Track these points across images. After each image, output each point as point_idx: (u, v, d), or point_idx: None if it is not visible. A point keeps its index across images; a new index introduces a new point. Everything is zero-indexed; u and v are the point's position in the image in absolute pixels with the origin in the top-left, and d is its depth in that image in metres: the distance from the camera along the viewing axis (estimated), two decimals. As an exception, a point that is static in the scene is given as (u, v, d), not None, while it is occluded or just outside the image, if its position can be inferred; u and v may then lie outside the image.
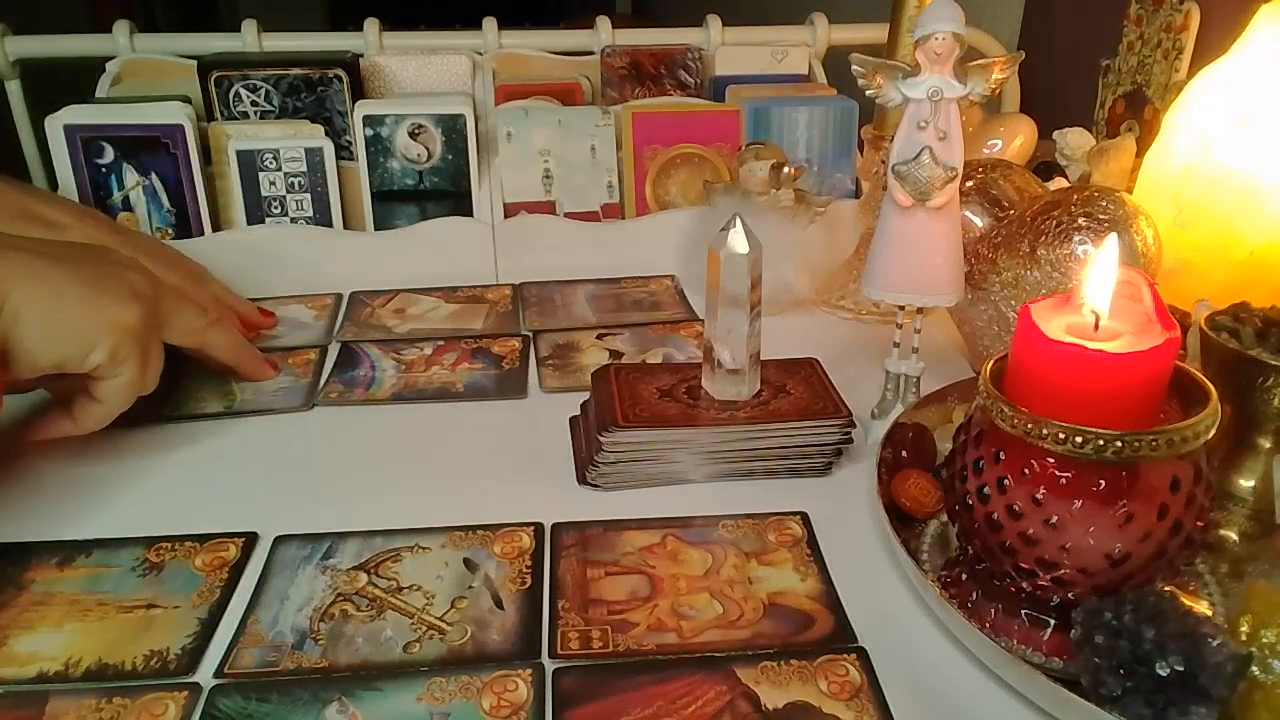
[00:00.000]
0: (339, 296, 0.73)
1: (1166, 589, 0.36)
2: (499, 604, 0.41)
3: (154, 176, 0.75)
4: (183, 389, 0.59)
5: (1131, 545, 0.34)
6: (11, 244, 0.45)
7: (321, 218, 0.78)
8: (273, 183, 0.76)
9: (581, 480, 0.50)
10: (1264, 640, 0.34)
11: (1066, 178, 0.76)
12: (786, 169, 0.71)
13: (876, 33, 0.86)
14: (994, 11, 1.11)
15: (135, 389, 0.49)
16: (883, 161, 0.64)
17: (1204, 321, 0.45)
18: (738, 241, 0.47)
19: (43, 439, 0.50)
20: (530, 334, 0.67)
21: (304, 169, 0.76)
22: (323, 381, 0.60)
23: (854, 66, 0.48)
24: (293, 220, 0.77)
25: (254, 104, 0.79)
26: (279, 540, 0.45)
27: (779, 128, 0.82)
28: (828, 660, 0.38)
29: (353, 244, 0.77)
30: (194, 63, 0.80)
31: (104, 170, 0.75)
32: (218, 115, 0.79)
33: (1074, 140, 0.78)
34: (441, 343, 0.66)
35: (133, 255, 0.51)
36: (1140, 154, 0.66)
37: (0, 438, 0.52)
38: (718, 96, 0.90)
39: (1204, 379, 0.36)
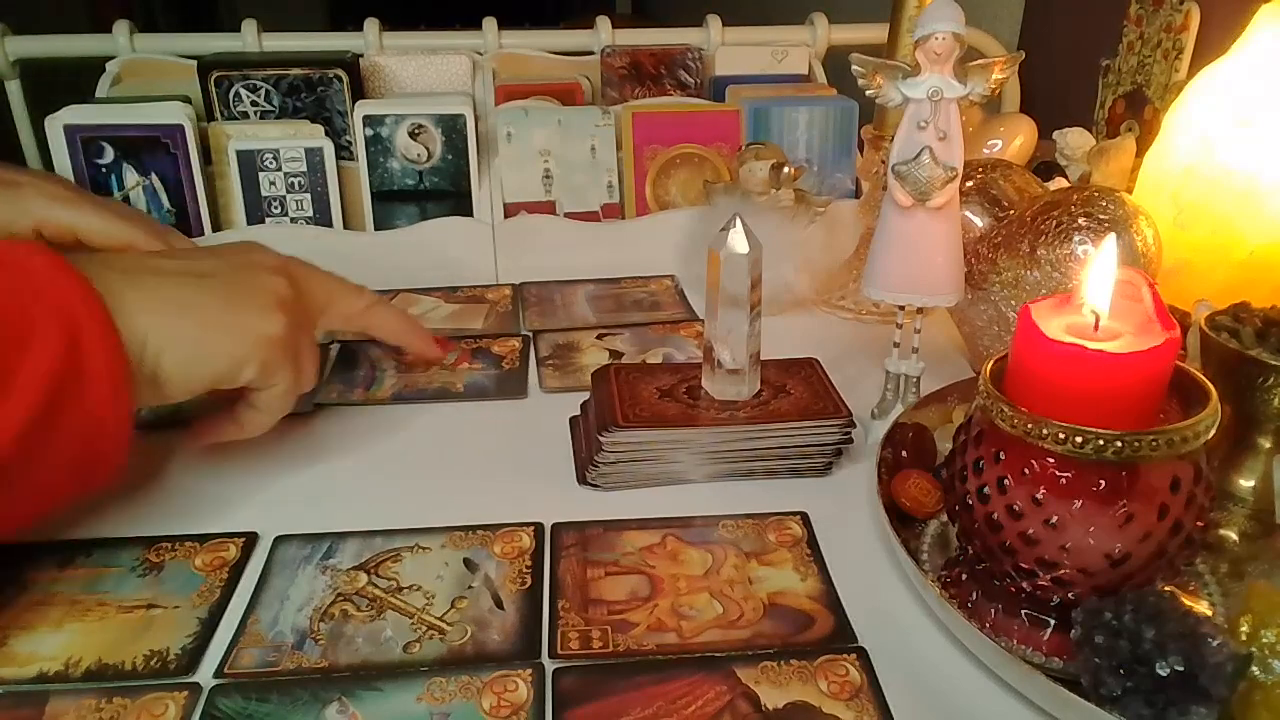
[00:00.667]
0: (339, 296, 0.73)
1: (1166, 589, 0.36)
2: (499, 604, 0.41)
3: (154, 176, 0.75)
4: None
5: (1131, 545, 0.34)
6: (152, 268, 0.44)
7: (321, 218, 0.78)
8: (273, 183, 0.76)
9: (581, 480, 0.50)
10: (1264, 640, 0.34)
11: (1066, 178, 0.76)
12: (786, 169, 0.71)
13: (876, 33, 0.86)
14: (994, 11, 1.11)
15: (292, 394, 0.48)
16: (883, 161, 0.64)
17: (1204, 321, 0.45)
18: (738, 241, 0.47)
19: (211, 441, 0.50)
20: (530, 334, 0.67)
21: (304, 169, 0.76)
22: (324, 381, 0.60)
23: (854, 66, 0.48)
24: (293, 220, 0.77)
25: (254, 104, 0.79)
26: (279, 540, 0.45)
27: (779, 128, 0.82)
28: (828, 660, 0.38)
29: (353, 244, 0.77)
30: (194, 63, 0.80)
31: (104, 170, 0.75)
32: (218, 115, 0.79)
33: (1074, 140, 0.78)
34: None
35: (269, 251, 0.50)
36: (1140, 154, 0.66)
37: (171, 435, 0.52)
38: (718, 96, 0.90)
39: (1204, 379, 0.36)
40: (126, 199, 0.75)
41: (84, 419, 0.39)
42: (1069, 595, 0.36)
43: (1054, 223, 0.52)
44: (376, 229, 0.79)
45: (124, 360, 0.40)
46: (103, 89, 0.84)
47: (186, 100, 0.77)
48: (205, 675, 0.38)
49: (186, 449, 0.52)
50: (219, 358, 0.44)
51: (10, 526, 0.41)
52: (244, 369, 0.45)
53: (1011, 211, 0.57)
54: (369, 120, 0.77)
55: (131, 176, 0.75)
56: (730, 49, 0.94)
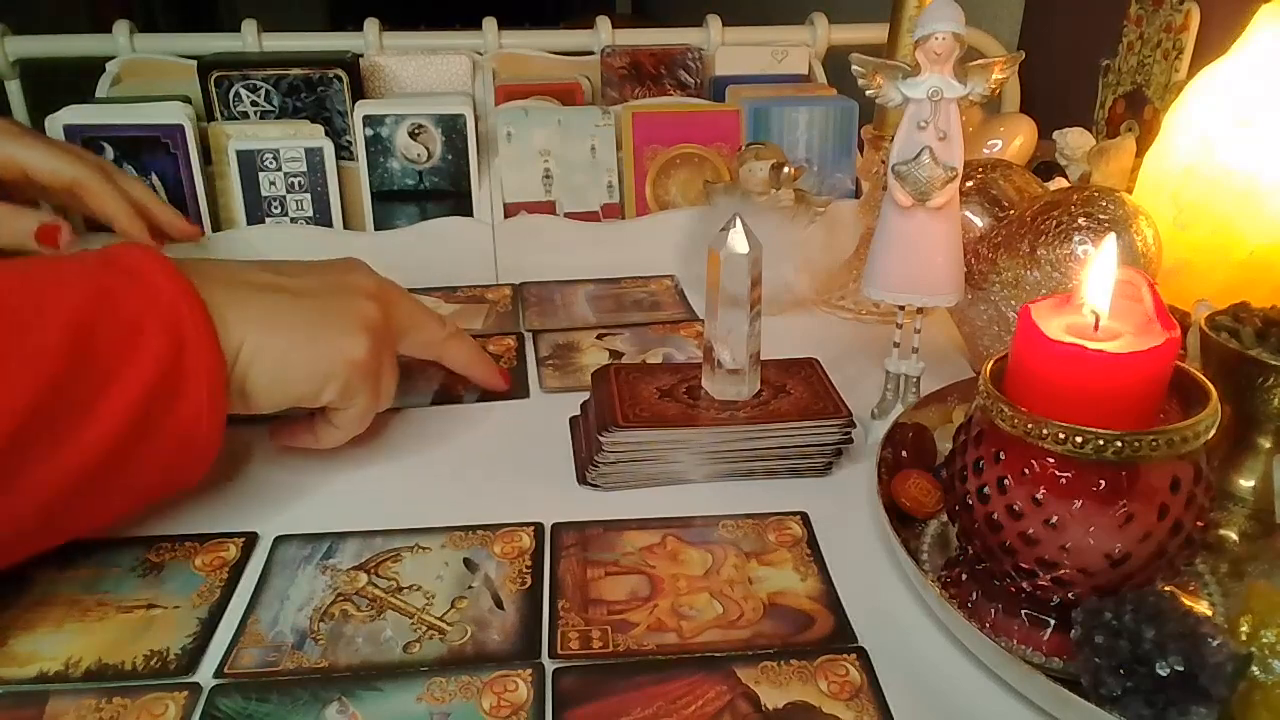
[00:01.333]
0: (339, 296, 0.73)
1: (1166, 589, 0.36)
2: (499, 604, 0.41)
3: (154, 176, 0.75)
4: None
5: (1131, 545, 0.34)
6: (252, 282, 0.46)
7: (321, 218, 0.78)
8: (273, 183, 0.76)
9: (581, 480, 0.50)
10: (1264, 640, 0.34)
11: (1066, 178, 0.76)
12: (786, 169, 0.71)
13: (876, 33, 0.86)
14: (994, 11, 1.11)
15: (370, 413, 0.50)
16: (883, 161, 0.64)
17: (1204, 321, 0.45)
18: (738, 241, 0.47)
19: (287, 445, 0.51)
20: (527, 332, 0.67)
21: (304, 169, 0.76)
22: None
23: (854, 66, 0.48)
24: (293, 220, 0.77)
25: (254, 104, 0.79)
26: (279, 540, 0.45)
27: (779, 128, 0.82)
28: (828, 660, 0.38)
29: (353, 244, 0.77)
30: (194, 63, 0.80)
31: (104, 170, 0.74)
32: (218, 115, 0.79)
33: (1074, 140, 0.78)
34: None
35: (367, 273, 0.52)
36: (1140, 154, 0.66)
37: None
38: (718, 96, 0.90)
39: (1204, 379, 0.36)
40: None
41: (179, 423, 0.40)
42: (1069, 595, 0.36)
43: (1054, 223, 0.52)
44: (376, 229, 0.79)
45: (222, 369, 0.42)
46: (103, 89, 0.84)
47: (186, 100, 0.77)
48: (205, 675, 0.38)
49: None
50: (303, 377, 0.46)
51: (99, 522, 0.43)
52: (326, 389, 0.46)
53: (1011, 211, 0.57)
54: (369, 120, 0.77)
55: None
56: (730, 49, 0.93)
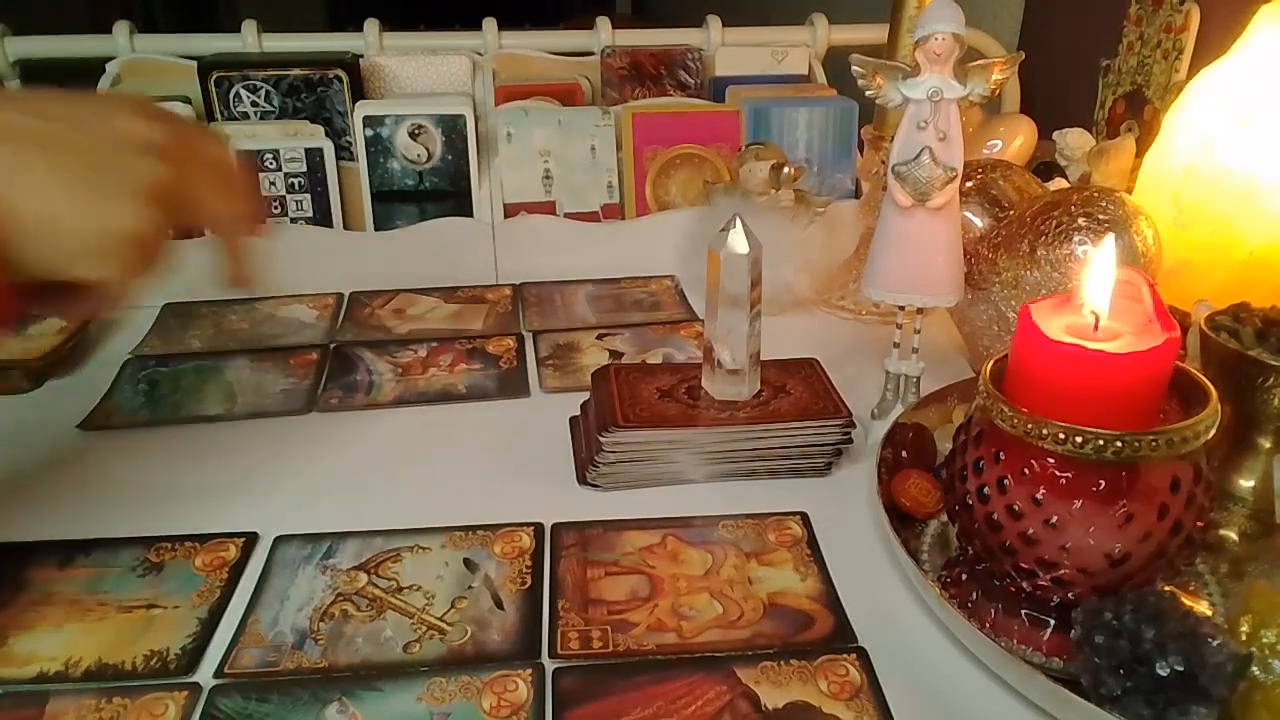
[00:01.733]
0: (340, 296, 0.73)
1: (1166, 589, 0.36)
2: (499, 604, 0.41)
3: (154, 177, 0.75)
4: (183, 390, 0.59)
5: (1131, 545, 0.34)
6: (5, 131, 0.37)
7: (321, 218, 0.78)
8: (273, 183, 0.76)
9: (581, 480, 0.50)
10: (1264, 640, 0.34)
11: (1066, 178, 0.76)
12: (786, 169, 0.71)
13: (876, 33, 0.86)
14: (994, 11, 1.11)
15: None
16: (883, 161, 0.64)
17: (1204, 321, 0.45)
18: (738, 241, 0.47)
19: (47, 316, 0.44)
20: (527, 333, 0.67)
21: (304, 169, 0.76)
22: (321, 387, 0.60)
23: (854, 67, 0.48)
24: (293, 220, 0.77)
25: (254, 104, 0.79)
26: (279, 540, 0.45)
27: (779, 128, 0.82)
28: (828, 660, 0.38)
29: (353, 244, 0.77)
30: (194, 63, 0.80)
31: (104, 170, 0.74)
32: (218, 116, 0.79)
33: (1074, 140, 0.78)
34: (435, 344, 0.65)
35: (158, 119, 0.41)
36: (1140, 154, 0.66)
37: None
38: (718, 97, 0.90)
39: (1204, 379, 0.36)
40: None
41: None
42: (1069, 595, 0.36)
43: (1054, 223, 0.52)
44: (376, 229, 0.79)
45: None
46: (103, 89, 0.84)
47: (186, 100, 0.77)
48: (205, 675, 0.38)
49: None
50: (60, 248, 0.38)
51: None
52: (80, 263, 0.38)
53: (1011, 211, 0.57)
54: (369, 120, 0.77)
55: (131, 177, 0.75)
56: (730, 49, 0.93)
